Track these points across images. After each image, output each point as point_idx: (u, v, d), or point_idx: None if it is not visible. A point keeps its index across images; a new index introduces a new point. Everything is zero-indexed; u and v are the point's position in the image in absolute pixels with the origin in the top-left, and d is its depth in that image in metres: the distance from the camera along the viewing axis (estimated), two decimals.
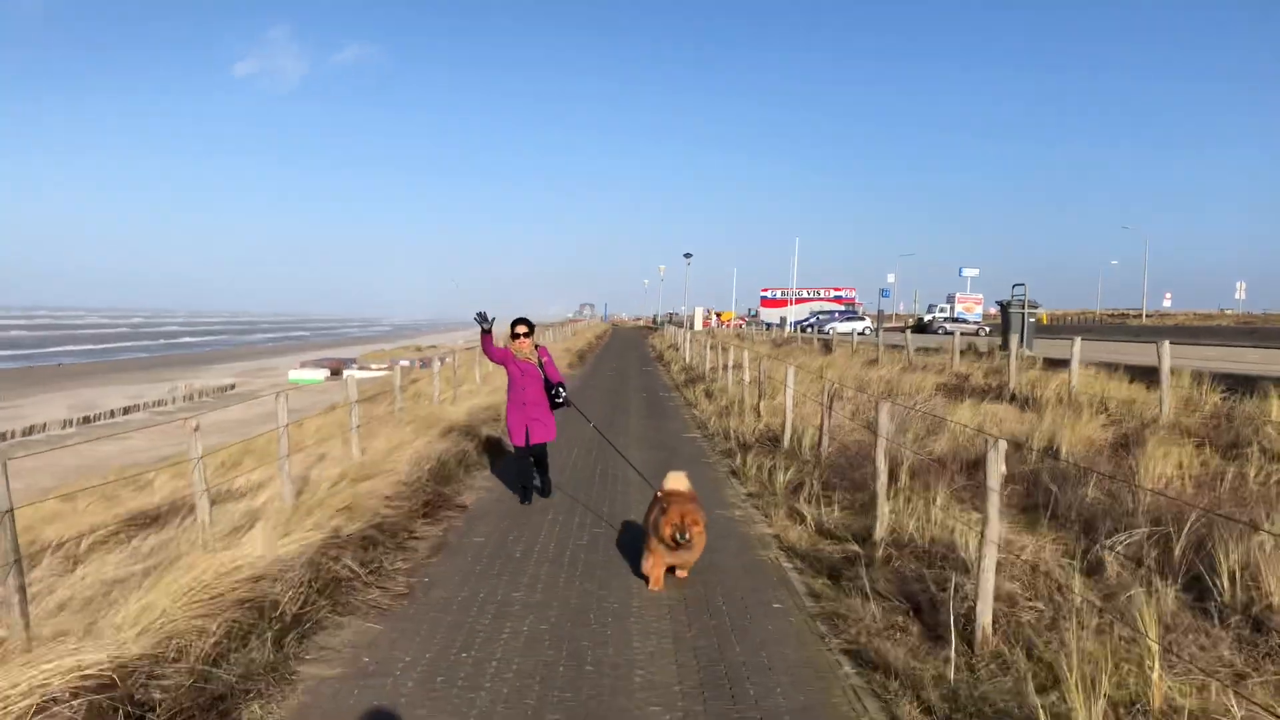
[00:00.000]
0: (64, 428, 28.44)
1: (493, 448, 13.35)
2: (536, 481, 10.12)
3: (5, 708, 3.69)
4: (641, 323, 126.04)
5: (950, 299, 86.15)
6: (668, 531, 6.53)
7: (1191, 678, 4.47)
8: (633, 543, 8.00)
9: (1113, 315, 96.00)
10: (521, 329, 9.36)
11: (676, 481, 7.31)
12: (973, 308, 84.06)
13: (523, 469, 9.86)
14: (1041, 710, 4.27)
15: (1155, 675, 4.30)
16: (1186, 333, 47.50)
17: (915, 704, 4.86)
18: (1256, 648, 4.86)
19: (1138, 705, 4.26)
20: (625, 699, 5.01)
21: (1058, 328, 71.68)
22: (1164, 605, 5.41)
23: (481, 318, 9.19)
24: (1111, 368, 16.86)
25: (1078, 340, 14.44)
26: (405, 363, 29.59)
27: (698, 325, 75.77)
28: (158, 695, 4.45)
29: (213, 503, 8.90)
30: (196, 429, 7.13)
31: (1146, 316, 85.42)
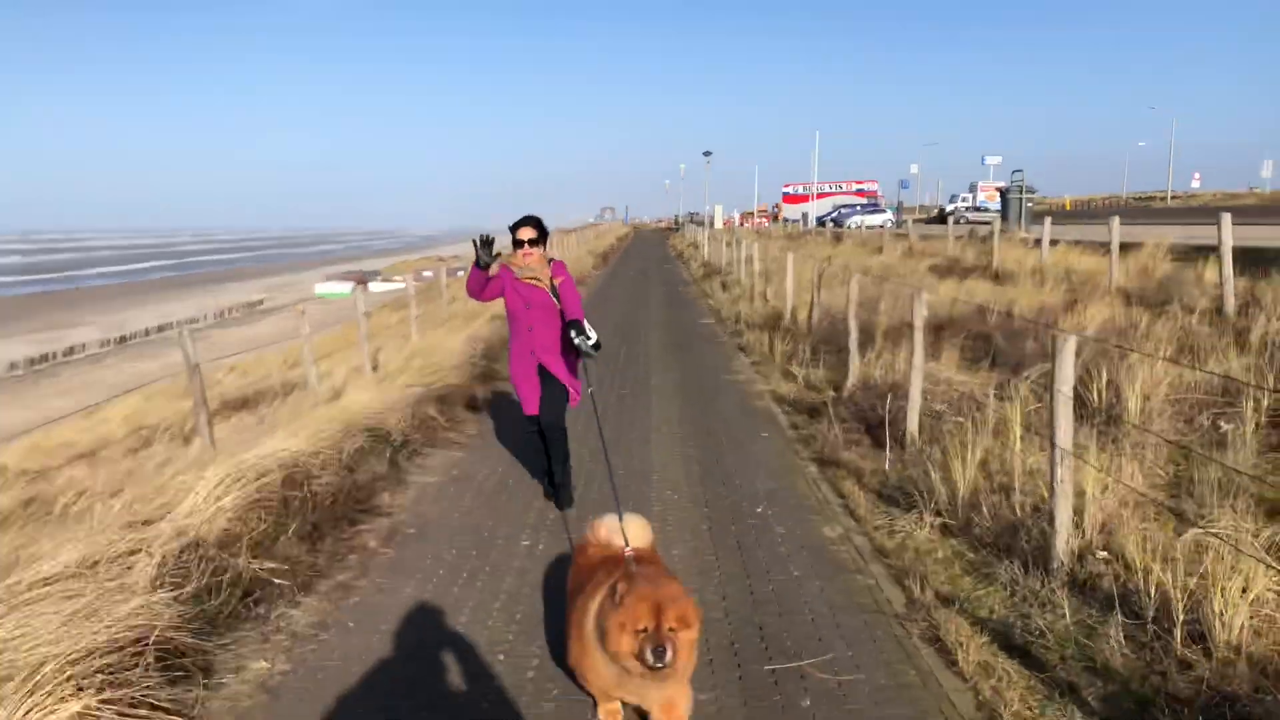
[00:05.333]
0: (101, 347, 30.02)
1: None
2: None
3: (244, 473, 5.63)
4: (663, 224, 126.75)
5: (973, 188, 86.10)
6: (626, 646, 3.17)
7: (1046, 452, 6.24)
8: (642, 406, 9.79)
9: (1138, 199, 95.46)
10: (527, 233, 6.08)
11: (629, 534, 3.91)
12: (995, 196, 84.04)
13: (540, 446, 6.61)
14: (936, 479, 6.07)
15: (1016, 447, 6.09)
16: (1209, 213, 48.16)
17: (856, 483, 6.71)
18: (1105, 433, 6.62)
19: (1003, 467, 6.05)
20: (645, 486, 6.92)
21: (1080, 213, 72.13)
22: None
23: (484, 243, 5.99)
24: (1099, 245, 18.35)
25: (1047, 222, 16.05)
26: (428, 274, 30.49)
27: (718, 224, 76.75)
28: (317, 488, 6.37)
29: (292, 389, 10.91)
30: (303, 312, 8.98)
31: (1173, 198, 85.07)
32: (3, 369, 24.62)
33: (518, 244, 6.17)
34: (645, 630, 3.13)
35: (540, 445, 6.61)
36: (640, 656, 3.13)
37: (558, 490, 6.59)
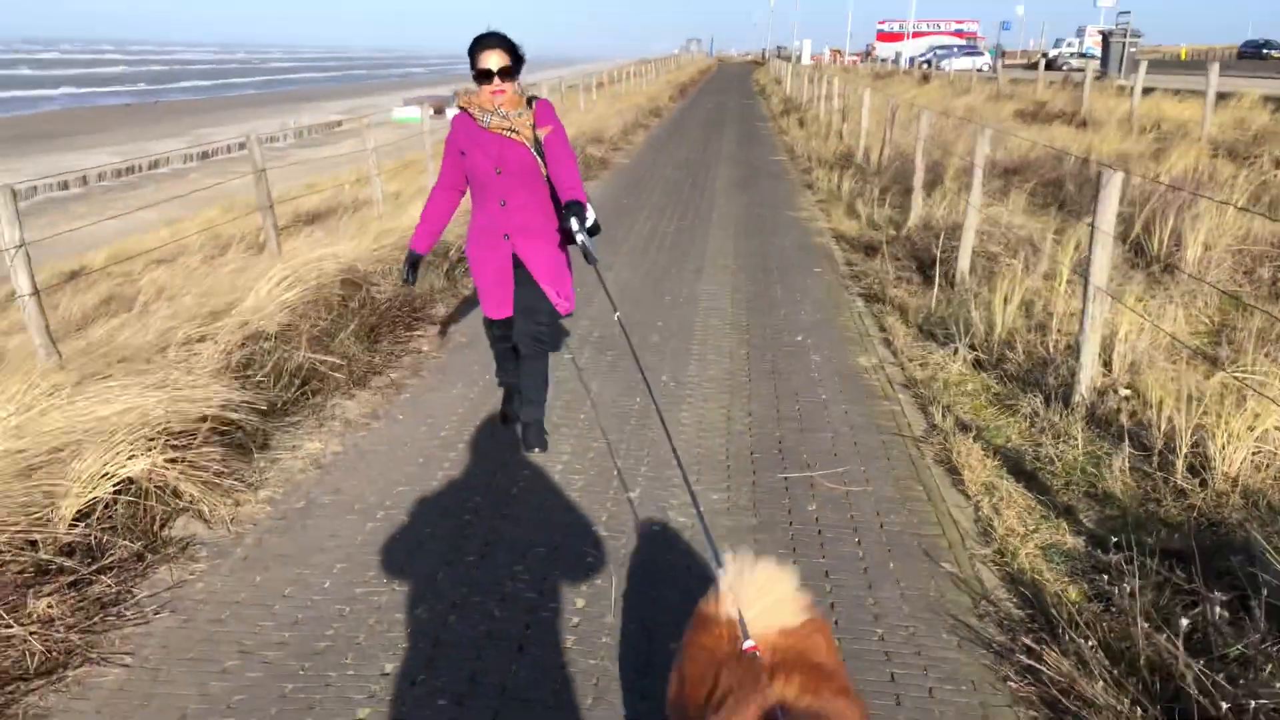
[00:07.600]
0: (184, 161, 30.62)
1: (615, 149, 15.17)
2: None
3: (305, 274, 5.96)
4: (750, 58, 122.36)
5: (1080, 32, 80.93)
6: None
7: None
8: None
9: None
10: (494, 59, 4.04)
11: (761, 607, 1.79)
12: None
13: (503, 357, 4.75)
14: (977, 316, 6.10)
15: (1061, 288, 6.07)
16: None
17: (899, 318, 6.78)
18: (1158, 280, 6.54)
19: (1045, 308, 6.06)
20: (691, 313, 7.10)
21: (1196, 63, 67.49)
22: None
23: (409, 268, 4.59)
24: (1197, 96, 17.38)
25: (1141, 68, 15.20)
26: None
27: (805, 60, 73.77)
28: (375, 294, 6.68)
29: (362, 206, 11.18)
30: (368, 125, 9.12)
31: None
32: (92, 180, 25.51)
33: (482, 77, 4.05)
34: None
35: (504, 360, 4.74)
36: None
37: (525, 427, 4.65)
